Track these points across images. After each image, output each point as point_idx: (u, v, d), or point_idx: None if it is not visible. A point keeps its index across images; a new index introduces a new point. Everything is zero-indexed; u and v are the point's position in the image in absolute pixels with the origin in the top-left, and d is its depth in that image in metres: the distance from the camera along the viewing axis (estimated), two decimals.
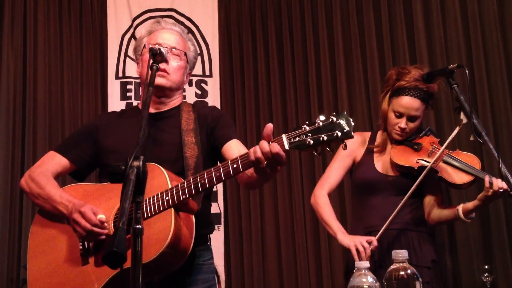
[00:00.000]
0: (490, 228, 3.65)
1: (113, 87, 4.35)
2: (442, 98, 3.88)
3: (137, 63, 2.31)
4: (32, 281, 2.04)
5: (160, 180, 1.89)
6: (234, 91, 4.45)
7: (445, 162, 2.60)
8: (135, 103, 4.19)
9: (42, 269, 2.03)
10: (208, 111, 2.26)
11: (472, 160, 2.62)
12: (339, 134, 1.60)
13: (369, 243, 2.49)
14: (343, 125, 1.60)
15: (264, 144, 1.67)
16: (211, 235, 2.24)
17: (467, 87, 2.36)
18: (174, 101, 2.25)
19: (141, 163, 1.43)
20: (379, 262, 2.60)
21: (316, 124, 1.63)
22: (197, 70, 4.42)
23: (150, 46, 2.02)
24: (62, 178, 3.56)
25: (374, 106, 4.05)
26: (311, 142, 1.63)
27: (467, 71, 2.32)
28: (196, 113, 2.21)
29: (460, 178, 2.55)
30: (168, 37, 2.22)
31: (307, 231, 4.08)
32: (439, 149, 2.59)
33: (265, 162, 1.68)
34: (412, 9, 4.08)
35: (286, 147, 1.66)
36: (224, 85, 4.45)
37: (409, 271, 1.50)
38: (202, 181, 1.80)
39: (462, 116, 2.38)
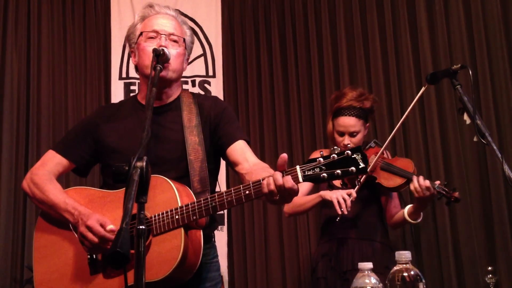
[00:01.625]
0: (494, 229, 3.65)
1: (117, 88, 4.36)
2: (446, 99, 3.89)
3: (132, 52, 2.18)
4: (38, 284, 2.03)
5: (169, 195, 1.87)
6: (237, 92, 4.45)
7: (382, 169, 2.83)
8: None
9: (48, 273, 2.01)
10: (211, 104, 2.17)
11: (406, 164, 2.86)
12: (354, 170, 1.59)
13: (349, 195, 2.72)
14: (358, 161, 1.59)
15: (277, 176, 1.64)
16: (215, 233, 2.23)
17: (470, 88, 2.35)
18: (174, 92, 2.16)
19: (144, 163, 1.43)
20: (335, 267, 2.86)
21: (331, 158, 1.61)
22: (201, 70, 4.43)
23: (154, 47, 1.96)
24: (66, 179, 3.62)
25: (376, 107, 4.03)
26: (326, 176, 1.61)
27: (470, 72, 2.31)
28: (197, 106, 2.14)
29: (394, 181, 2.80)
30: (164, 22, 2.10)
31: (310, 231, 4.08)
32: (380, 159, 2.84)
33: (278, 194, 1.67)
34: (416, 9, 4.07)
35: (300, 180, 1.64)
36: (227, 85, 4.45)
37: (412, 272, 1.49)
38: (214, 204, 1.79)
39: (465, 117, 2.37)
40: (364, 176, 2.76)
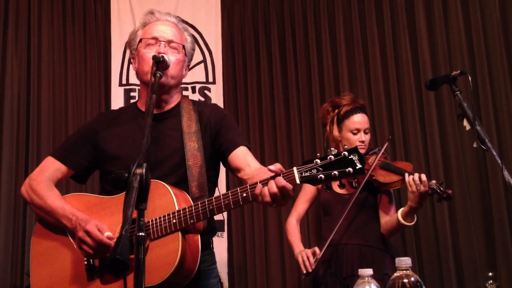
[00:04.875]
0: (494, 235, 3.65)
1: (117, 94, 4.37)
2: (445, 105, 3.89)
3: (132, 58, 2.19)
4: None
5: (166, 200, 1.87)
6: (237, 98, 4.45)
7: (381, 167, 2.91)
8: None
9: (45, 279, 2.00)
10: (210, 111, 2.17)
11: (405, 165, 2.94)
12: (351, 170, 1.59)
13: (314, 253, 2.85)
14: (355, 162, 1.59)
15: (272, 185, 1.66)
16: (213, 239, 2.22)
17: (470, 94, 2.36)
18: (174, 98, 2.16)
19: (144, 170, 1.43)
20: (335, 272, 2.91)
21: (328, 159, 1.62)
22: (201, 77, 4.43)
23: (154, 54, 1.97)
24: (65, 185, 3.61)
25: (377, 112, 4.06)
26: (323, 177, 1.62)
27: (470, 78, 2.31)
28: (197, 113, 2.14)
29: (390, 178, 2.87)
30: (164, 29, 2.10)
31: (310, 237, 4.08)
32: (379, 161, 2.92)
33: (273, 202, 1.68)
34: (415, 15, 4.08)
35: (298, 181, 1.65)
36: (227, 91, 4.46)
37: (412, 279, 1.49)
38: (211, 207, 1.79)
39: (465, 123, 2.37)
40: (365, 179, 2.81)
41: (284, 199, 1.68)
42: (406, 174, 2.77)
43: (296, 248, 3.03)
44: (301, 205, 3.22)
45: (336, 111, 3.08)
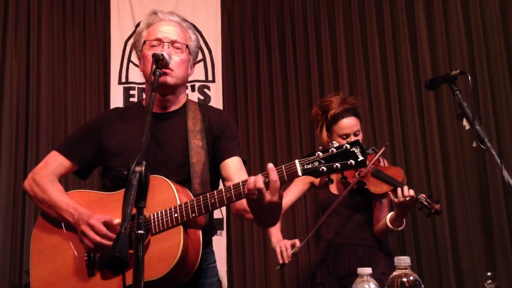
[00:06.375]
0: (493, 234, 3.65)
1: (116, 92, 4.37)
2: (445, 105, 3.89)
3: (138, 59, 2.22)
4: (36, 287, 2.02)
5: (168, 194, 1.87)
6: (236, 97, 4.45)
7: (372, 175, 2.89)
8: None
9: (46, 276, 2.00)
10: (215, 116, 2.18)
11: (396, 172, 2.91)
12: (353, 163, 1.60)
13: (293, 245, 2.85)
14: (357, 154, 1.60)
15: (259, 179, 1.67)
16: (213, 237, 2.23)
17: (469, 94, 2.36)
18: (180, 99, 2.18)
19: (143, 168, 1.43)
20: (332, 271, 2.91)
21: (330, 151, 1.63)
22: (200, 75, 4.43)
23: (153, 52, 1.96)
24: (65, 181, 3.61)
25: (376, 112, 4.06)
26: (325, 169, 1.63)
27: (469, 78, 2.31)
28: (202, 114, 2.16)
29: (381, 188, 2.85)
30: (168, 30, 2.12)
31: (309, 238, 4.07)
32: (372, 166, 2.89)
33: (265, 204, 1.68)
34: (415, 15, 4.08)
35: (300, 173, 1.66)
36: (226, 90, 4.46)
37: (411, 278, 1.49)
38: (212, 200, 1.79)
39: (464, 122, 2.37)
40: (356, 179, 2.82)
41: (277, 207, 1.69)
42: (399, 188, 2.75)
43: (274, 236, 2.97)
44: (289, 196, 3.17)
45: (325, 116, 3.05)
